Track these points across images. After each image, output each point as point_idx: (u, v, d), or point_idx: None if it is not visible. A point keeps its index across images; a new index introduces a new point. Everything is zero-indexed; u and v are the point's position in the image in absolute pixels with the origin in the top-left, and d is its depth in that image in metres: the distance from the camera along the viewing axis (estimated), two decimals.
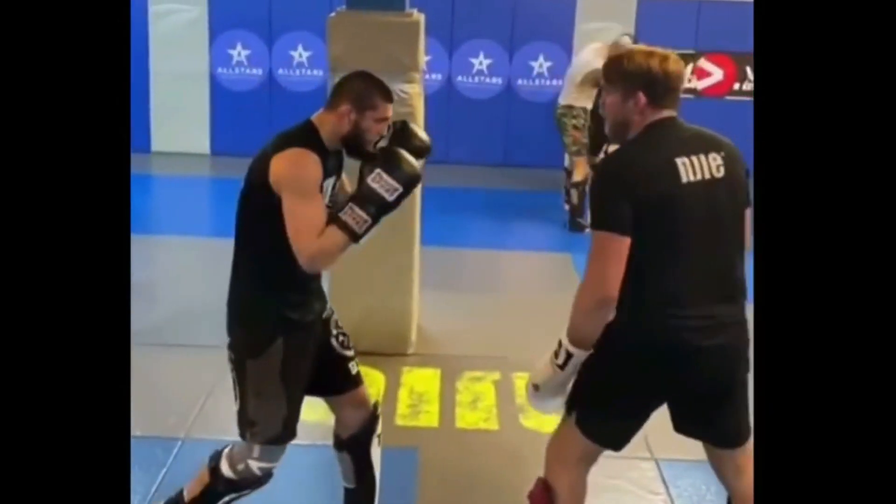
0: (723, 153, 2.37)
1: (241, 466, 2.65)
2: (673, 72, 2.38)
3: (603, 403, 2.40)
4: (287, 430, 2.62)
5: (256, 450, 2.64)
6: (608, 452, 2.52)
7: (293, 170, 2.44)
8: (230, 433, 3.56)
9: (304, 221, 2.43)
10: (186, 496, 2.74)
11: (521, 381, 4.17)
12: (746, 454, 2.46)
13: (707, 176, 2.32)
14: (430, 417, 3.84)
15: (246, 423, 2.62)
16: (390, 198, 2.45)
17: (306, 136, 2.55)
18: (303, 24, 8.95)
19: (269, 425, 2.60)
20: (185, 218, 7.03)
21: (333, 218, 2.45)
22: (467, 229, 6.92)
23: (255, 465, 2.65)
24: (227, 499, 2.71)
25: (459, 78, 8.97)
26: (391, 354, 4.34)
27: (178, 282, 5.69)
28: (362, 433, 2.85)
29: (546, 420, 3.93)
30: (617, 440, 2.47)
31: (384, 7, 4.32)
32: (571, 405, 2.48)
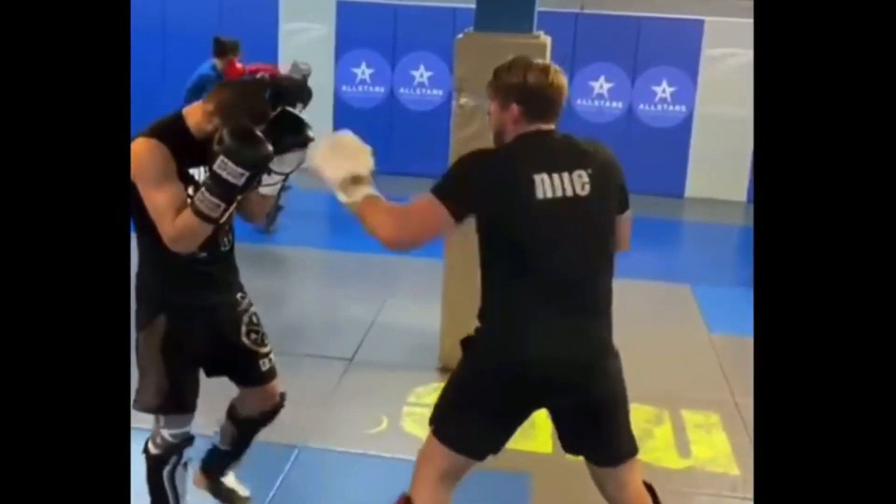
0: (590, 170, 2.37)
1: (158, 440, 2.76)
2: (550, 85, 2.39)
3: (458, 411, 2.41)
4: (169, 401, 2.69)
5: (162, 420, 2.74)
6: None
7: (135, 163, 2.46)
8: (346, 442, 3.63)
9: (155, 208, 2.49)
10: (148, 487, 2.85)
11: (638, 413, 4.06)
12: (626, 469, 2.49)
13: (569, 194, 2.33)
14: (543, 443, 3.78)
15: (135, 391, 2.67)
16: (238, 182, 2.46)
17: (161, 125, 2.62)
18: (425, 45, 9.09)
19: (146, 394, 2.67)
20: (306, 231, 7.19)
21: (191, 202, 2.49)
22: None
23: (166, 433, 2.74)
24: (165, 472, 2.78)
25: (579, 101, 8.91)
26: None
27: (300, 291, 5.84)
28: (259, 420, 2.98)
29: (661, 453, 3.83)
30: (473, 448, 2.43)
31: (512, 29, 4.33)
32: (432, 417, 2.49)
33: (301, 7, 9.18)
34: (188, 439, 2.78)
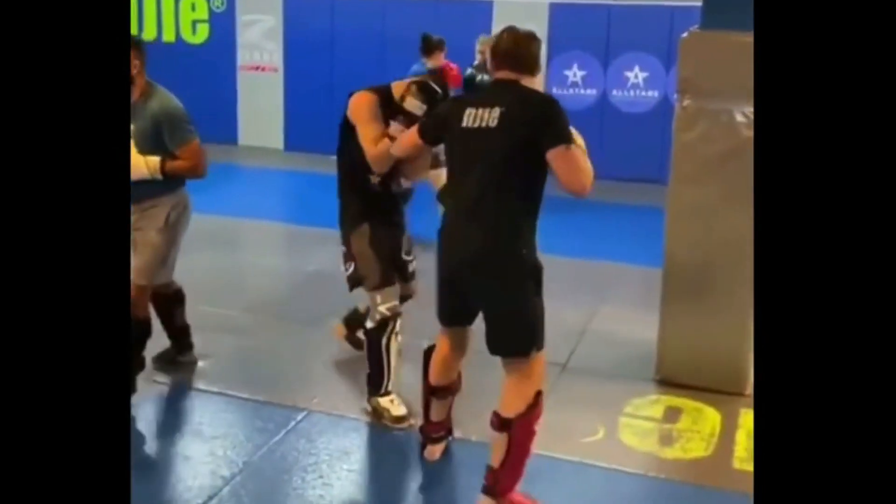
0: (504, 107, 2.92)
1: (377, 316, 3.70)
2: (506, 43, 3.06)
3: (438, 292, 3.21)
4: (383, 277, 3.70)
5: (377, 297, 3.69)
6: None
7: (356, 106, 3.66)
8: (564, 449, 3.57)
9: (364, 136, 3.59)
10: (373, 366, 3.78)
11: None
12: (509, 369, 3.08)
13: (484, 125, 2.94)
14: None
15: (358, 279, 3.73)
16: (418, 112, 3.50)
17: (377, 87, 3.73)
18: (640, 46, 8.88)
19: (371, 278, 3.69)
20: None
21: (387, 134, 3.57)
22: None
23: (383, 308, 3.69)
24: (383, 341, 3.69)
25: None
26: (727, 393, 4.09)
27: None
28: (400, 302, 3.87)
29: None
30: (440, 315, 3.26)
31: (741, 27, 4.10)
32: None
33: (514, 9, 9.23)
34: (397, 314, 3.71)
